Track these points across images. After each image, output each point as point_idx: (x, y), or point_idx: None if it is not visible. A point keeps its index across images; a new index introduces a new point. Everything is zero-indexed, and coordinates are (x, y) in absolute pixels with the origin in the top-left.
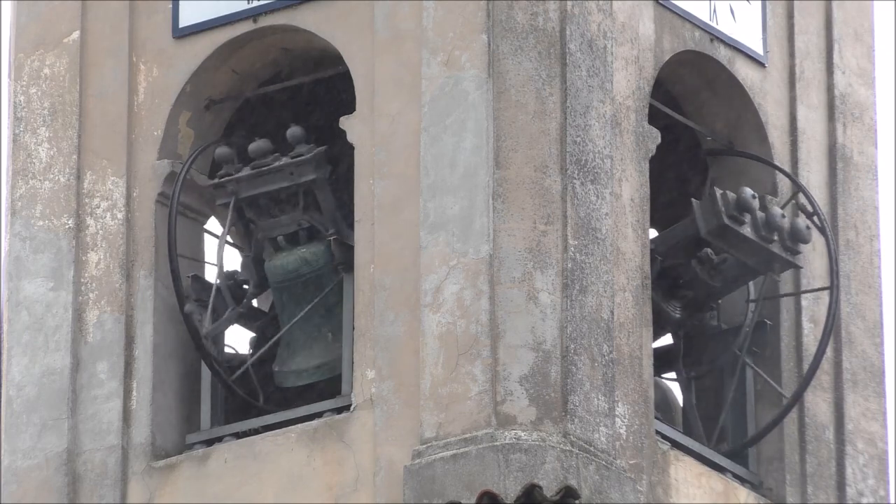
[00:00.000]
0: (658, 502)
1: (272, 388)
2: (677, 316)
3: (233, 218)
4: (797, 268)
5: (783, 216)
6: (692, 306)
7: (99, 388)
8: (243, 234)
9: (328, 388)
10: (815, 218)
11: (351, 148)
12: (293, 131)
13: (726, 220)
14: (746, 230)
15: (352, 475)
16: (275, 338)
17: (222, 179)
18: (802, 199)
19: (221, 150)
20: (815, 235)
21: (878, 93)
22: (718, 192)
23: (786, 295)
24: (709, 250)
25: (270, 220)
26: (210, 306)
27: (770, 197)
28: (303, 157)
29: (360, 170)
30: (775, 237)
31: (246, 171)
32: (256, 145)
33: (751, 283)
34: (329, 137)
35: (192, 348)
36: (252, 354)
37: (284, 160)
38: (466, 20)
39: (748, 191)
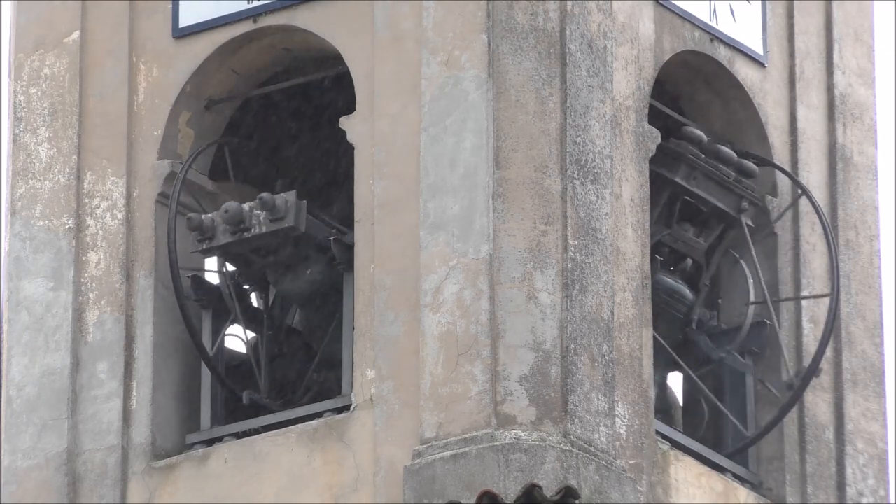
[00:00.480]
0: (658, 502)
1: (271, 387)
2: (689, 295)
3: (224, 269)
4: (759, 205)
5: (728, 150)
6: (693, 280)
7: (99, 388)
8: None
9: (328, 389)
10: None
11: (351, 148)
12: (264, 201)
13: (690, 157)
14: (705, 165)
15: (352, 475)
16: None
17: (206, 247)
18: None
19: (194, 220)
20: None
21: (878, 93)
22: (672, 141)
23: (787, 300)
24: (685, 220)
25: (266, 259)
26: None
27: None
28: (284, 223)
29: (360, 170)
30: (732, 173)
31: (227, 237)
32: (229, 215)
33: (750, 286)
34: (329, 137)
35: (192, 348)
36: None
37: (264, 222)
38: (466, 20)
39: (689, 127)
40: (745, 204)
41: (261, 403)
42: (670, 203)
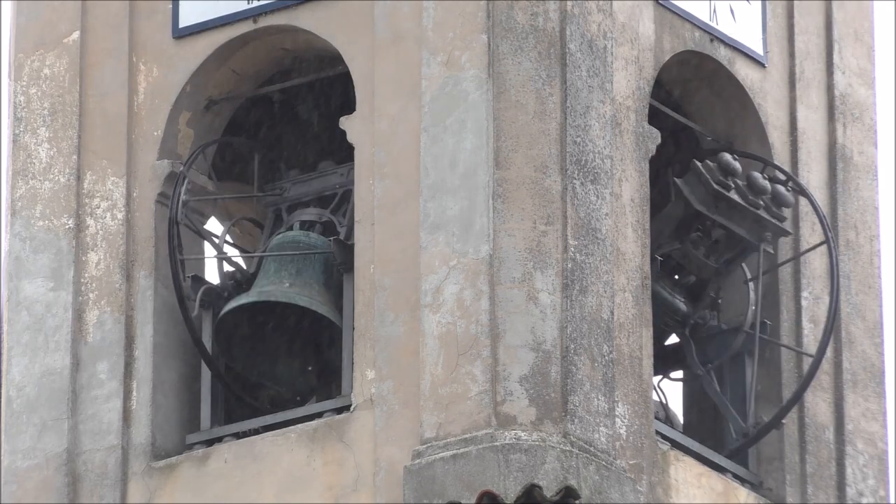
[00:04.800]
0: (658, 502)
1: (272, 388)
2: (684, 308)
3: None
4: (787, 233)
5: (765, 178)
6: (696, 293)
7: (99, 388)
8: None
9: (328, 389)
10: (791, 183)
11: (351, 148)
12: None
13: (715, 186)
14: (735, 196)
15: (352, 475)
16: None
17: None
18: (771, 169)
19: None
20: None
21: (878, 93)
22: (697, 164)
23: (784, 262)
24: (699, 234)
25: (299, 210)
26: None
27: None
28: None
29: (360, 170)
30: (761, 202)
31: (293, 178)
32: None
33: (750, 287)
34: (329, 137)
35: (192, 348)
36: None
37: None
38: (466, 20)
39: (727, 155)
40: (767, 235)
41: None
42: (687, 222)
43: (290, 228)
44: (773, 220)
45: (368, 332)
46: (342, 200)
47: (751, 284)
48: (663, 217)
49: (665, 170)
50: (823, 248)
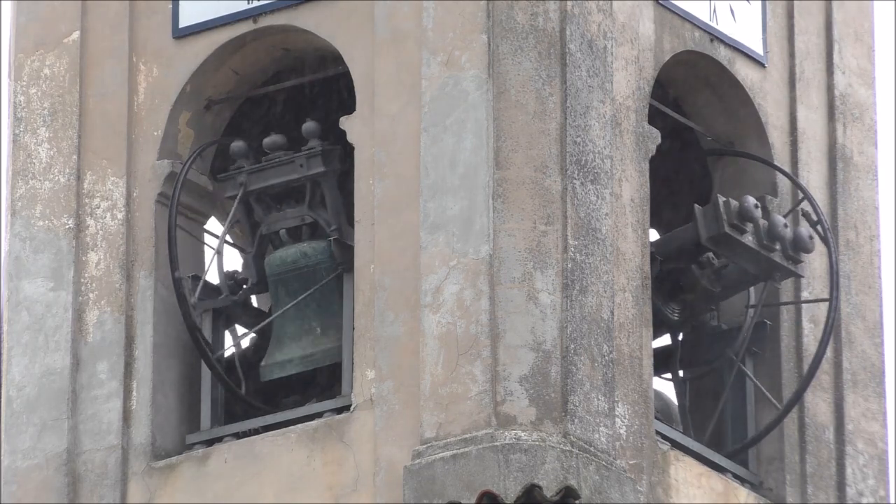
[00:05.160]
0: (658, 502)
1: (272, 388)
2: (675, 318)
3: (238, 211)
4: (798, 276)
5: (786, 226)
6: (691, 309)
7: (99, 388)
8: (247, 233)
9: (327, 388)
10: (819, 227)
11: (351, 148)
12: (308, 126)
13: (727, 229)
14: (748, 239)
15: (352, 475)
16: (262, 323)
17: (233, 171)
18: (807, 206)
19: (236, 144)
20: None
21: (878, 93)
22: (721, 199)
23: (786, 303)
24: (710, 255)
25: (275, 213)
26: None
27: (771, 198)
28: (313, 150)
29: (360, 170)
30: (777, 246)
31: (256, 165)
32: (272, 139)
33: (751, 288)
34: (329, 138)
35: (192, 348)
36: (244, 348)
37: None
38: (466, 20)
39: (751, 199)
40: (777, 275)
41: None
42: (696, 249)
43: (277, 236)
44: (786, 264)
45: (368, 332)
46: (314, 192)
47: (749, 311)
48: (674, 236)
49: (665, 169)
50: (824, 248)
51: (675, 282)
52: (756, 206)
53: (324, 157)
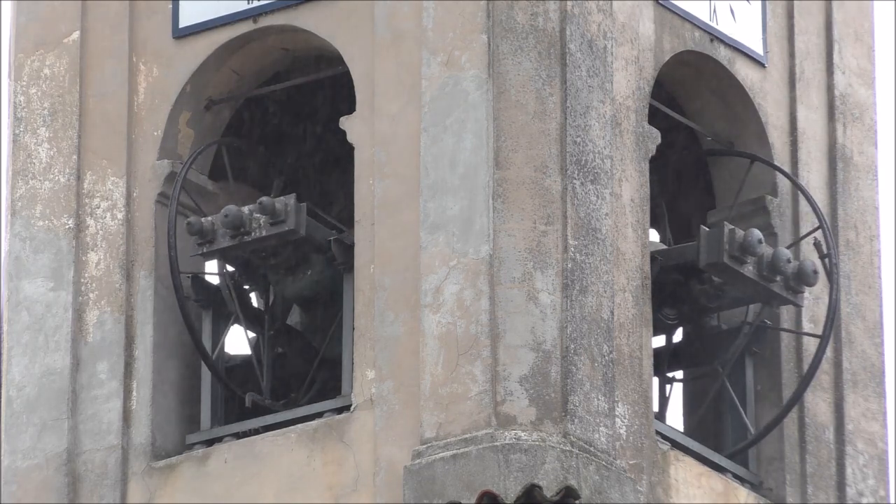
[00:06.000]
0: (658, 502)
1: (270, 387)
2: (669, 322)
3: (224, 270)
4: (797, 306)
5: (789, 261)
6: (685, 318)
7: (99, 388)
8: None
9: (328, 389)
10: (827, 260)
11: (351, 148)
12: (264, 206)
13: (726, 260)
14: (747, 269)
15: (352, 475)
16: (318, 357)
17: (206, 251)
18: (820, 236)
19: (192, 225)
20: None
21: (878, 93)
22: (728, 227)
23: (783, 330)
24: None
25: (266, 261)
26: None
27: (772, 198)
28: (284, 226)
29: (360, 170)
30: (778, 279)
31: (227, 241)
32: (228, 220)
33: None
34: (329, 137)
35: (192, 348)
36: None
37: (264, 225)
38: (466, 20)
39: (756, 233)
40: (775, 303)
41: (263, 405)
42: (696, 270)
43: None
44: (786, 294)
45: (368, 332)
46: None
47: (745, 327)
48: (677, 251)
49: (666, 169)
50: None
51: (671, 291)
52: (760, 242)
53: (293, 218)
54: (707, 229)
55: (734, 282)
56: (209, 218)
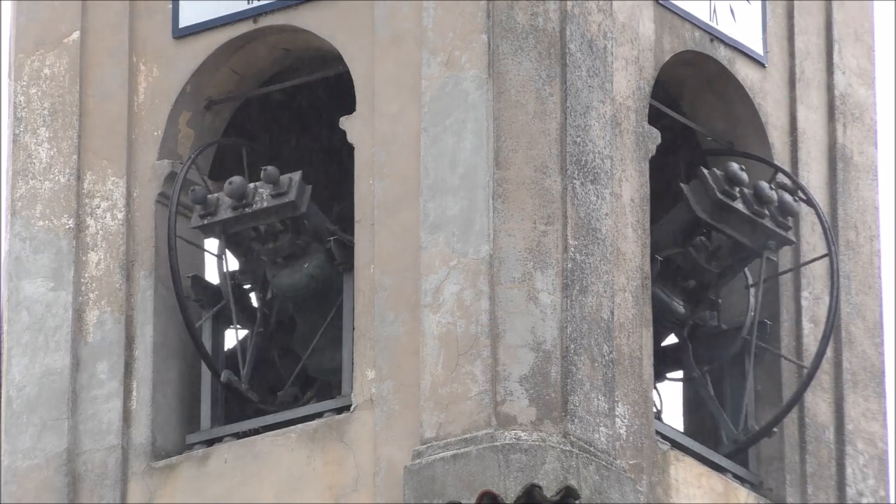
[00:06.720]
0: (658, 502)
1: (271, 388)
2: (682, 311)
3: (223, 247)
4: (791, 243)
5: (771, 188)
6: (695, 297)
7: (99, 388)
8: (241, 252)
9: (328, 389)
10: (800, 192)
11: (351, 148)
12: (269, 173)
13: (720, 196)
14: (739, 205)
15: (352, 475)
16: (304, 357)
17: (206, 222)
18: (781, 177)
19: (196, 194)
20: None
21: (878, 93)
22: (706, 171)
23: (784, 272)
24: (702, 238)
25: (265, 245)
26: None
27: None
28: (284, 199)
29: (360, 170)
30: (766, 212)
31: (228, 212)
32: (231, 188)
33: (750, 294)
34: (329, 137)
35: (192, 348)
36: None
37: (265, 195)
38: (466, 20)
39: (735, 164)
40: (771, 243)
41: (238, 388)
42: (690, 227)
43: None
44: (778, 230)
45: (368, 332)
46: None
47: (752, 290)
48: (667, 221)
49: (667, 169)
50: (824, 247)
51: (674, 271)
52: (742, 170)
53: (296, 194)
54: (687, 184)
55: (730, 225)
56: (214, 194)
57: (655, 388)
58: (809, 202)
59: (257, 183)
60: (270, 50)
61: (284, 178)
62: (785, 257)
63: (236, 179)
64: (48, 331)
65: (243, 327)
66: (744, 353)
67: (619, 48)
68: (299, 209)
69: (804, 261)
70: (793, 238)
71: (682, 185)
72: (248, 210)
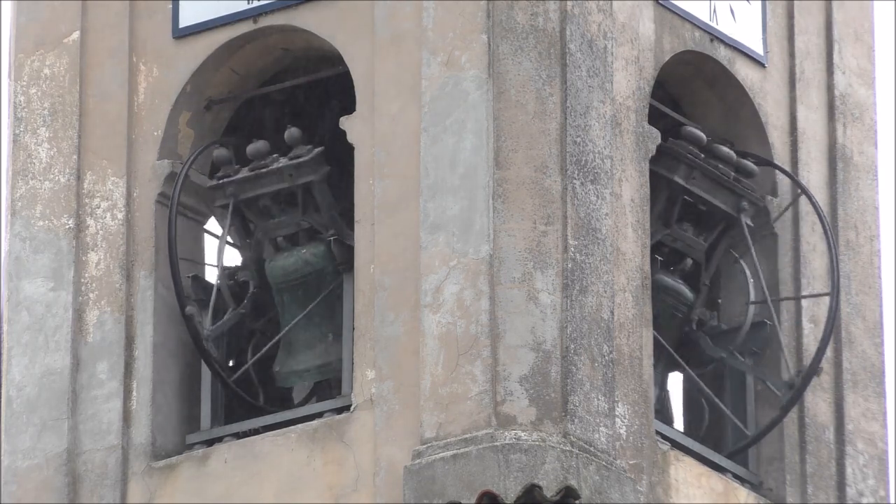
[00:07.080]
0: (658, 502)
1: (272, 388)
2: (689, 294)
3: (232, 219)
4: (761, 204)
5: (728, 150)
6: (694, 280)
7: (99, 388)
8: (243, 234)
9: (328, 389)
10: (799, 191)
11: (351, 148)
12: (291, 133)
13: (688, 156)
14: (705, 164)
15: (352, 475)
16: (275, 339)
17: (220, 181)
18: (727, 148)
19: (220, 152)
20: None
21: (878, 93)
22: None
23: (787, 299)
24: (680, 220)
25: (270, 220)
26: (211, 307)
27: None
28: (301, 159)
29: (360, 170)
30: (731, 172)
31: (244, 173)
32: (255, 147)
33: (750, 286)
34: (329, 137)
35: (192, 348)
36: (252, 356)
37: (283, 161)
38: (466, 20)
39: (688, 127)
40: (744, 203)
41: (196, 328)
42: (670, 203)
43: (274, 241)
44: (745, 189)
45: (368, 332)
46: (306, 197)
47: (751, 286)
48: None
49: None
50: (824, 247)
51: (669, 254)
52: (696, 127)
53: (312, 164)
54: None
55: (703, 186)
56: (236, 165)
57: (666, 389)
58: (810, 202)
59: (278, 154)
60: (270, 50)
61: (304, 149)
62: (786, 286)
63: (259, 143)
64: (48, 331)
65: (245, 326)
66: (744, 353)
67: (619, 48)
68: (313, 175)
69: (803, 258)
70: (760, 201)
71: (649, 166)
72: (263, 171)
